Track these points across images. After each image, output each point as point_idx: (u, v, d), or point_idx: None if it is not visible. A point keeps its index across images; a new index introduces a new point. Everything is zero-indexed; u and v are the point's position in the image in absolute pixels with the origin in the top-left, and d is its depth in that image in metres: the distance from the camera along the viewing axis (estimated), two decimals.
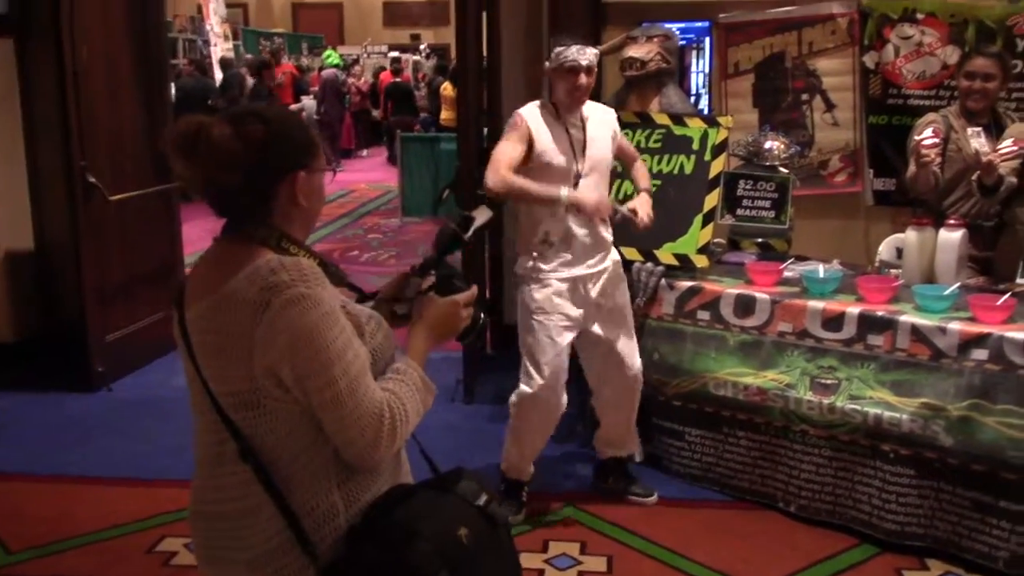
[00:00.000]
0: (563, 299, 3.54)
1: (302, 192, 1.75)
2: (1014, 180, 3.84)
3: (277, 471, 1.70)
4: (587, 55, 3.44)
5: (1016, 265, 3.81)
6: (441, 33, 21.70)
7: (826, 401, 3.52)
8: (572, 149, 3.52)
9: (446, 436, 4.27)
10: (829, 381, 3.54)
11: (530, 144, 3.48)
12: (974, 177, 3.84)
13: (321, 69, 17.16)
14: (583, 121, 3.58)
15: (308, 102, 15.43)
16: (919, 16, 4.85)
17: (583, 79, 3.44)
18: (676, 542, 3.53)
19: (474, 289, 1.92)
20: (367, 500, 1.75)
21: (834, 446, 3.53)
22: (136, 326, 5.45)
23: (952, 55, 4.75)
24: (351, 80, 16.96)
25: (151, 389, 5.20)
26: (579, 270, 3.55)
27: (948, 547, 3.33)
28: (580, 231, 3.53)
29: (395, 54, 19.61)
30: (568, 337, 3.57)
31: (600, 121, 3.65)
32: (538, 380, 3.54)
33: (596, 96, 4.98)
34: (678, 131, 4.22)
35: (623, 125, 4.27)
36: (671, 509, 3.78)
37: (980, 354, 3.25)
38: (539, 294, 3.53)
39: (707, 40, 5.11)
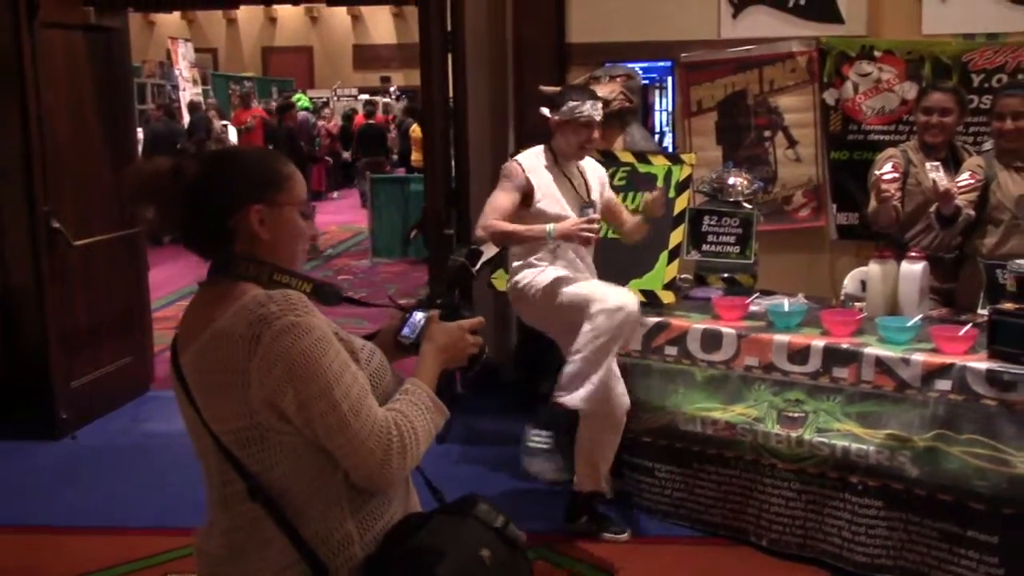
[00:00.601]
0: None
1: (264, 226, 1.75)
2: (972, 212, 3.90)
3: (288, 504, 1.69)
4: (599, 110, 3.58)
5: (977, 296, 3.86)
6: (411, 75, 21.83)
7: (794, 434, 3.53)
8: (575, 197, 3.63)
9: (415, 476, 4.23)
10: (796, 414, 3.56)
11: (528, 193, 3.58)
12: (932, 209, 3.90)
13: None
14: (581, 171, 3.68)
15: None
16: (877, 53, 4.95)
17: (596, 133, 3.59)
18: None
19: (481, 318, 1.92)
20: (380, 528, 1.75)
21: (803, 479, 3.54)
22: (101, 372, 5.39)
23: (910, 91, 4.84)
24: (321, 123, 17.02)
25: (117, 436, 5.14)
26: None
27: None
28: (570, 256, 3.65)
29: (365, 96, 19.73)
30: None
31: (594, 173, 3.77)
32: (613, 298, 3.49)
33: None
34: (642, 169, 4.26)
35: None
36: (643, 547, 3.76)
37: (944, 384, 3.28)
38: (544, 276, 3.59)
39: (670, 79, 5.18)
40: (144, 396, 5.77)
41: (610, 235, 4.21)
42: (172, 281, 9.51)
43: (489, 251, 2.03)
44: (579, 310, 3.51)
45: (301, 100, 18.33)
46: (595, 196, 3.73)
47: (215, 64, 22.10)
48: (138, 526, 4.02)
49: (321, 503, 1.70)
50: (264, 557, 1.70)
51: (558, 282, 3.58)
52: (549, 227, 3.51)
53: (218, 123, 13.25)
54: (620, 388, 3.62)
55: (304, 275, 1.78)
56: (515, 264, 3.73)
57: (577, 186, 3.66)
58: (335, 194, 17.21)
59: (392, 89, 21.71)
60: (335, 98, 20.37)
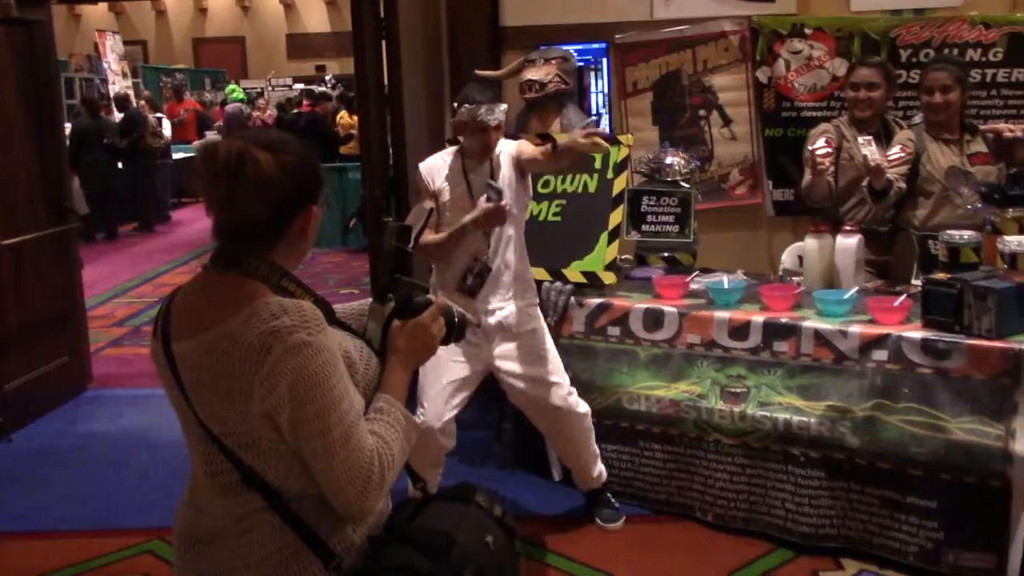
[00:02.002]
0: None
1: (311, 224, 1.76)
2: (903, 185, 3.97)
3: (283, 493, 1.70)
4: (496, 114, 3.42)
5: (911, 267, 3.94)
6: (347, 63, 21.53)
7: (737, 409, 3.57)
8: (468, 199, 3.47)
9: None
10: (739, 389, 3.60)
11: (436, 198, 3.49)
12: (864, 183, 3.96)
13: (224, 104, 16.93)
14: (495, 164, 3.52)
15: (212, 137, 15.22)
16: (807, 31, 5.00)
17: (492, 136, 3.45)
18: (598, 559, 3.53)
19: (440, 299, 1.91)
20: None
21: (746, 453, 3.58)
22: (36, 373, 5.27)
23: (840, 67, 4.90)
24: (256, 113, 16.76)
25: (53, 438, 5.02)
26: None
27: (861, 545, 3.40)
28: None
29: (300, 86, 19.47)
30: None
31: (507, 154, 3.57)
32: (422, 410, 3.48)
33: None
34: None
35: None
36: (593, 526, 3.78)
37: (880, 355, 3.34)
38: None
39: (605, 60, 5.18)
40: (82, 396, 5.65)
41: (550, 218, 4.21)
42: (107, 278, 9.34)
43: (417, 223, 1.99)
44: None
45: (235, 92, 18.03)
46: (507, 176, 3.52)
47: (145, 56, 21.63)
48: (79, 529, 3.94)
49: (312, 496, 1.71)
50: (253, 540, 1.70)
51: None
52: (466, 220, 3.38)
53: (151, 117, 12.96)
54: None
55: (308, 287, 1.77)
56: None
57: (474, 186, 3.48)
58: None
59: (328, 78, 21.44)
60: (269, 88, 20.08)
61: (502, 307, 3.52)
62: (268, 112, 17.10)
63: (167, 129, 13.57)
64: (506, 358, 3.56)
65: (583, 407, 3.67)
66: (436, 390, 3.49)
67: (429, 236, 3.44)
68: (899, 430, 3.27)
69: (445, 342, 1.91)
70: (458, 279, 3.45)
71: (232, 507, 1.71)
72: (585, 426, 3.69)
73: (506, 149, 3.62)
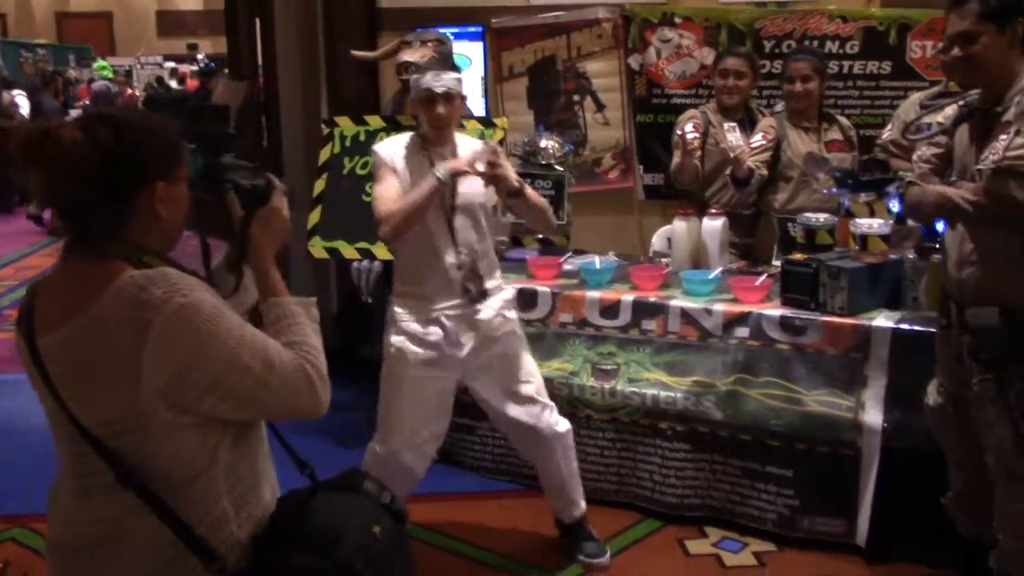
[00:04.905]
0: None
1: (162, 203, 1.67)
2: (765, 172, 4.14)
3: (164, 488, 1.62)
4: (443, 80, 3.00)
5: (771, 249, 4.12)
6: (219, 42, 20.95)
7: (607, 386, 3.68)
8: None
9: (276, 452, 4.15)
10: (609, 367, 3.70)
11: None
12: (727, 171, 4.12)
13: (91, 81, 16.29)
14: (455, 155, 3.14)
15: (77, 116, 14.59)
16: (677, 20, 5.15)
17: (441, 108, 3.02)
18: (472, 535, 3.59)
19: (274, 180, 1.86)
20: (253, 505, 1.73)
21: (616, 428, 3.70)
22: None
23: (708, 56, 5.06)
24: (129, 91, 16.20)
25: None
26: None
27: (723, 514, 3.56)
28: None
29: (171, 64, 18.93)
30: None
31: (469, 154, 3.11)
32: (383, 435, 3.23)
33: (375, 101, 5.01)
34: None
35: (398, 127, 4.31)
36: (467, 503, 3.84)
37: (742, 332, 3.49)
38: (394, 336, 3.17)
39: (481, 44, 5.22)
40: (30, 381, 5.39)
41: None
42: None
43: (235, 101, 1.96)
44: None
45: (105, 69, 17.36)
46: (474, 181, 3.08)
47: (3, 30, 20.61)
48: None
49: (200, 485, 1.66)
50: (131, 544, 1.64)
51: (396, 357, 3.14)
52: (436, 171, 2.95)
53: (6, 94, 12.33)
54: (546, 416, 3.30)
55: (174, 261, 1.70)
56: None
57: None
58: None
59: (200, 56, 20.85)
60: (139, 67, 19.41)
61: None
62: (129, 92, 16.53)
63: (24, 108, 12.92)
64: (480, 369, 3.21)
65: (563, 425, 3.33)
66: (402, 414, 3.15)
67: (399, 202, 3.01)
68: (759, 403, 3.43)
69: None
70: (458, 285, 3.07)
71: (106, 509, 1.64)
72: (566, 445, 3.33)
73: (473, 146, 3.19)
